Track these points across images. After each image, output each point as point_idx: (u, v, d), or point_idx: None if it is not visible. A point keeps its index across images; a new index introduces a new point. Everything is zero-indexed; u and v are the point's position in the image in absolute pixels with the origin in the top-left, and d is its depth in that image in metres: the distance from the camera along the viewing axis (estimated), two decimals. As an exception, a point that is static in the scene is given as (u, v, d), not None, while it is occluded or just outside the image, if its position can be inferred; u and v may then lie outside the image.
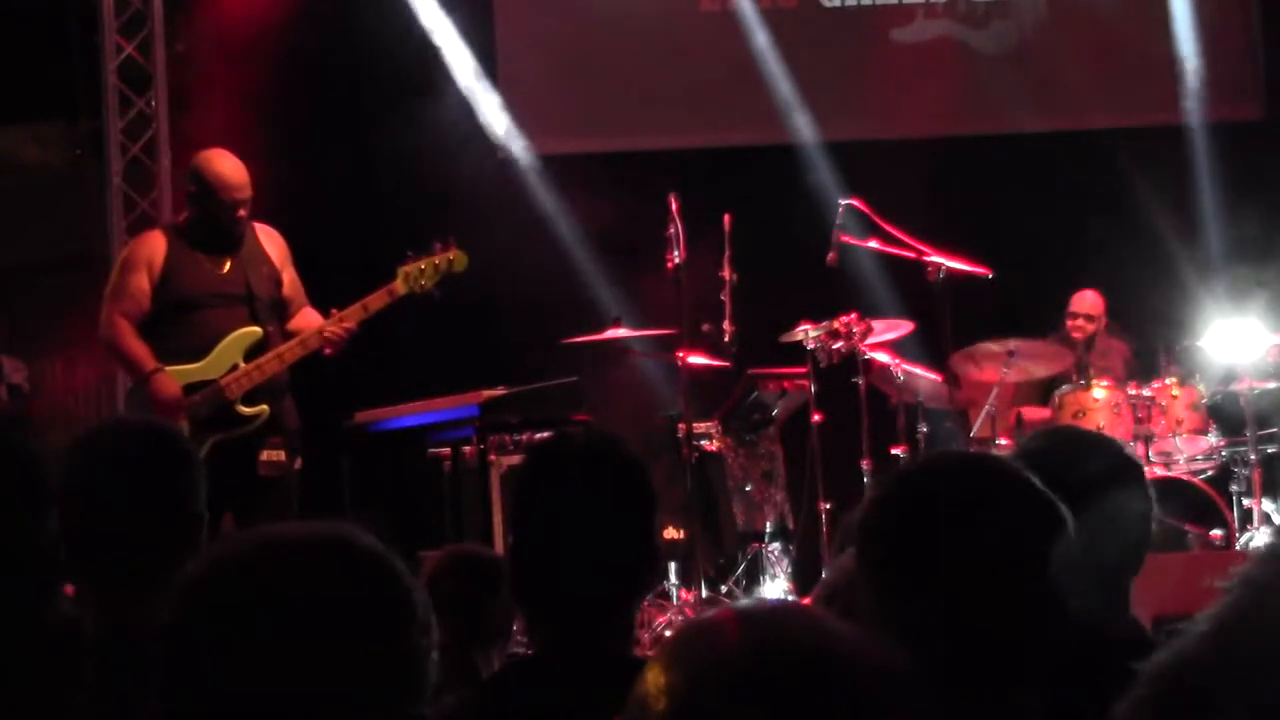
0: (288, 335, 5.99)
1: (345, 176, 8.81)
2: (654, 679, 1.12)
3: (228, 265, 5.91)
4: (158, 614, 1.39)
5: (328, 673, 1.34)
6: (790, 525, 7.63)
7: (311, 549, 1.40)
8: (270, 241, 6.07)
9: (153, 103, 8.34)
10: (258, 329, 5.89)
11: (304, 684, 1.33)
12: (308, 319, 6.03)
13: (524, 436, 6.92)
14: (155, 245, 5.92)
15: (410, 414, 6.70)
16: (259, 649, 1.33)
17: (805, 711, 1.08)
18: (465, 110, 9.17)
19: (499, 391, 6.52)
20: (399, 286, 6.02)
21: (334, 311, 5.94)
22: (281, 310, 6.04)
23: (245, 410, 5.84)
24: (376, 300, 5.99)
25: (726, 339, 7.16)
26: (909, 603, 1.74)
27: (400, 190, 8.57)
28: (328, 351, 5.96)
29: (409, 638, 1.39)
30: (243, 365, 5.84)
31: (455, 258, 6.14)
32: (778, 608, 1.22)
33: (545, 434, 6.65)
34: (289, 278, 6.09)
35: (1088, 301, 8.57)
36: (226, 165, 5.88)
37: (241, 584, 1.36)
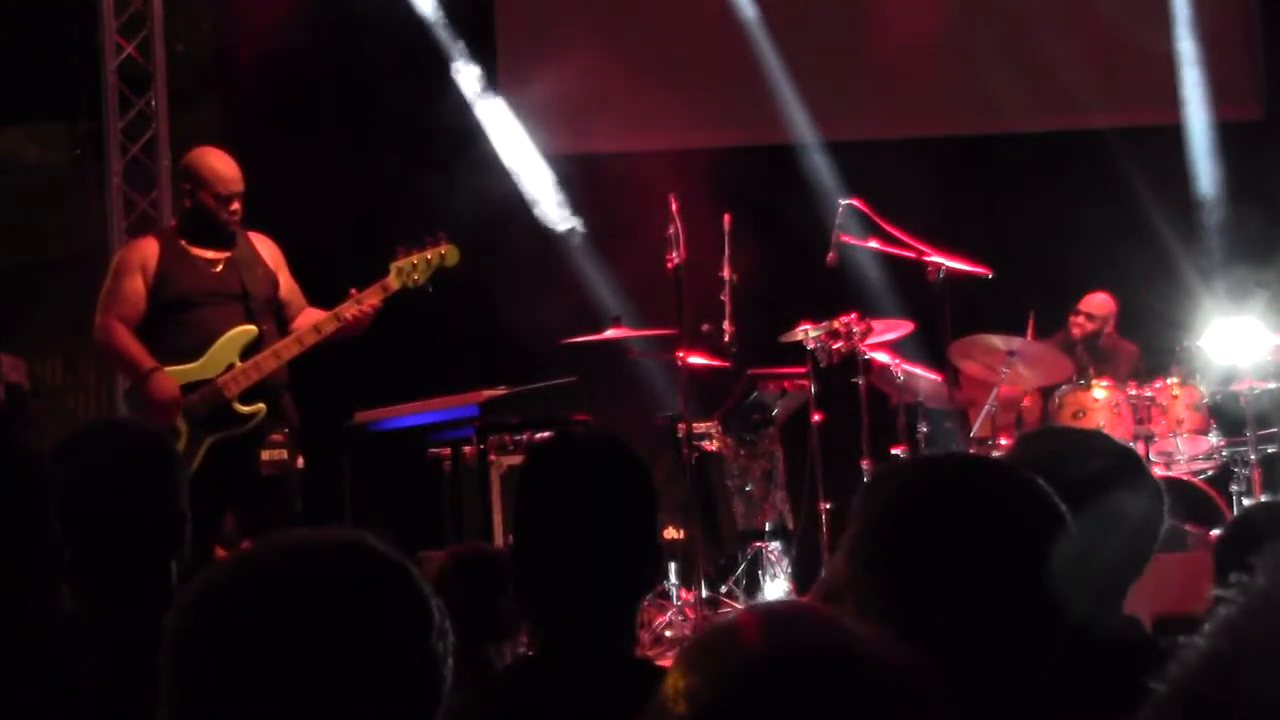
0: (285, 335, 5.97)
1: (345, 176, 8.81)
2: (674, 683, 1.10)
3: (222, 264, 5.90)
4: (144, 613, 1.38)
5: (347, 679, 1.34)
6: (790, 525, 7.63)
7: (331, 555, 1.40)
8: (264, 247, 6.06)
9: (153, 103, 8.34)
10: (253, 328, 5.87)
11: (324, 690, 1.33)
12: (309, 318, 6.02)
13: (524, 436, 6.92)
14: (148, 249, 5.90)
15: (410, 414, 6.68)
16: (278, 655, 1.33)
17: (831, 713, 1.06)
18: (465, 111, 9.17)
19: (499, 391, 6.51)
20: (391, 282, 6.01)
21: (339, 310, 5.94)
22: (279, 312, 6.03)
23: (243, 409, 5.83)
24: (370, 296, 5.97)
25: (726, 339, 7.16)
26: (904, 604, 1.73)
27: (400, 191, 8.56)
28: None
29: (427, 643, 1.39)
30: (239, 364, 5.83)
31: (446, 252, 6.12)
32: (799, 609, 1.20)
33: (545, 434, 6.66)
34: (285, 281, 6.08)
35: (1094, 302, 8.62)
36: (219, 159, 5.89)
37: (261, 590, 1.36)
